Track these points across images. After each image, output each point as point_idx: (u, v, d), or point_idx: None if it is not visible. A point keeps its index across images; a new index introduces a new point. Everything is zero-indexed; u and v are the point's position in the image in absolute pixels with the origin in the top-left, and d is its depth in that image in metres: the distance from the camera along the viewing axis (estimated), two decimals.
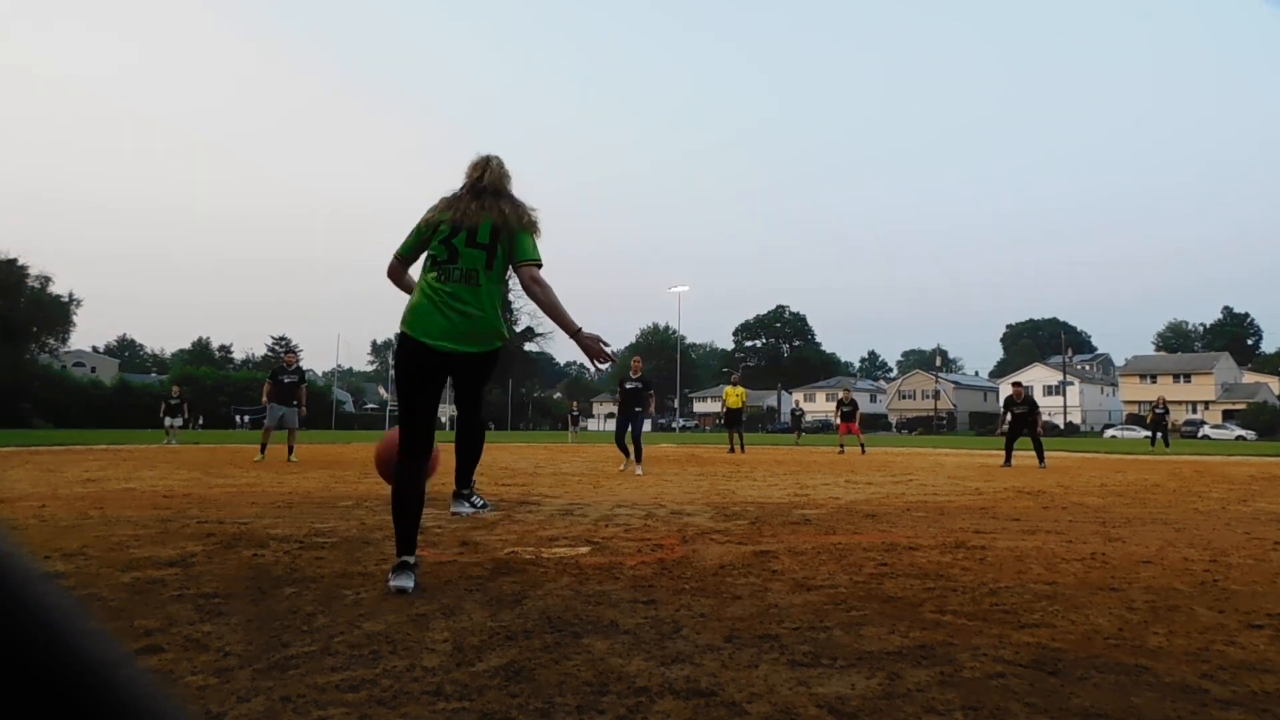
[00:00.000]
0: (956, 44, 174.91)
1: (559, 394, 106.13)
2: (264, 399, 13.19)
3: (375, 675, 2.25)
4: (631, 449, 11.69)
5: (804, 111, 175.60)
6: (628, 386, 11.94)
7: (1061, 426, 66.83)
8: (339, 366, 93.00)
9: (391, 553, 3.77)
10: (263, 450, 13.18)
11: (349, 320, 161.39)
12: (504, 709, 2.00)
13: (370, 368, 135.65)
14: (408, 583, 3.30)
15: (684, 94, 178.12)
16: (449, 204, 3.44)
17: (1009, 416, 14.58)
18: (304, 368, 13.23)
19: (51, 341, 60.89)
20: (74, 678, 0.32)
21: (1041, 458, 14.26)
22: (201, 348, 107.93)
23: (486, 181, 3.46)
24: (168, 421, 22.45)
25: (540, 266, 3.42)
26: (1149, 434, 27.83)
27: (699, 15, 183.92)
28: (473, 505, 3.82)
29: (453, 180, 3.60)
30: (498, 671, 2.30)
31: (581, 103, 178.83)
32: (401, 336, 3.37)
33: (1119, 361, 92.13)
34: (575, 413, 38.46)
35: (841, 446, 20.95)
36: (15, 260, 58.83)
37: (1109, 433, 61.08)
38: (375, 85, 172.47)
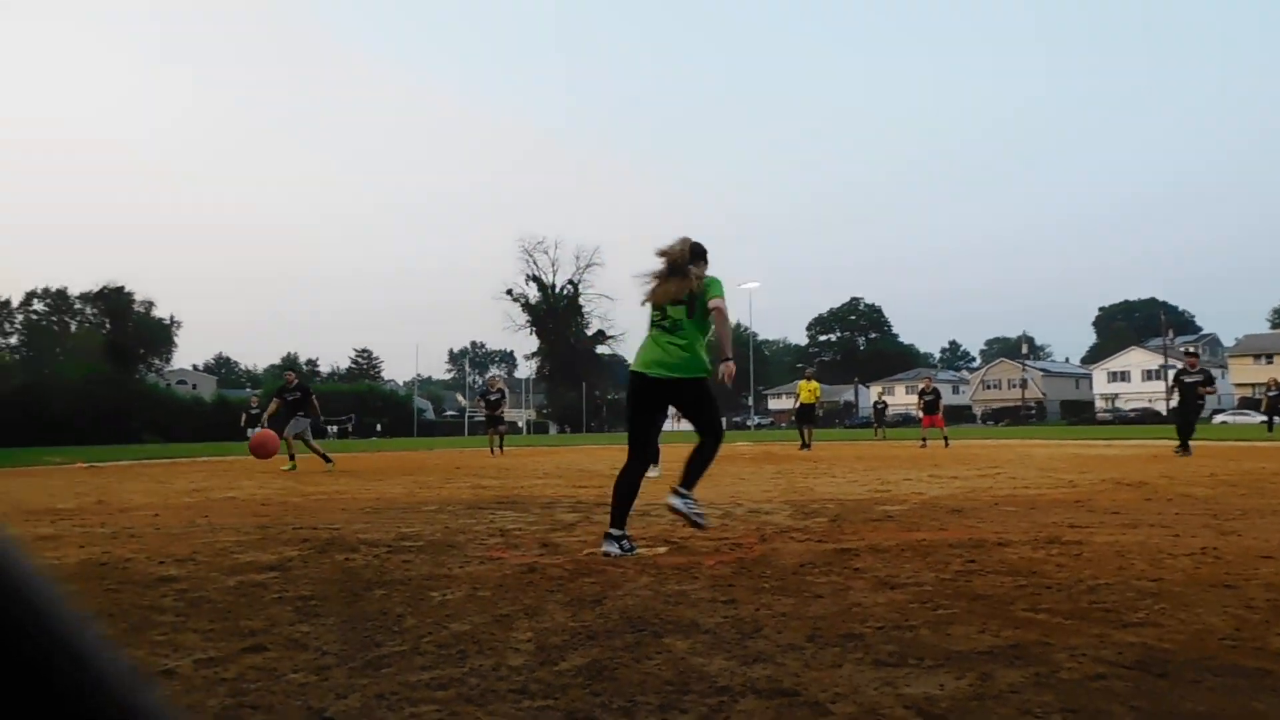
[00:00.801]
0: (1039, 31, 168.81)
1: None
2: (264, 418, 14.35)
3: (463, 674, 2.30)
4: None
5: (883, 105, 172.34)
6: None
7: (1164, 413, 63.79)
8: (418, 376, 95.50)
9: (474, 555, 4.41)
10: (291, 458, 13.66)
11: (426, 330, 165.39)
12: (587, 708, 2.02)
13: (448, 375, 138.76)
14: (612, 548, 4.24)
15: (779, 83, 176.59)
16: (654, 277, 4.55)
17: (1177, 392, 13.00)
18: (308, 386, 14.34)
19: (156, 362, 64.42)
20: (53, 665, 0.31)
21: (1185, 442, 12.61)
22: (290, 362, 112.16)
23: (678, 263, 4.48)
24: (250, 432, 22.68)
25: (721, 299, 4.43)
26: (1265, 418, 26.07)
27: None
28: (686, 507, 4.44)
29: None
30: (580, 671, 2.32)
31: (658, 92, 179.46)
32: (630, 372, 4.58)
33: (1228, 342, 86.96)
34: None
35: (924, 440, 20.18)
36: (123, 288, 62.56)
37: (1218, 418, 57.41)
38: (450, 98, 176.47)
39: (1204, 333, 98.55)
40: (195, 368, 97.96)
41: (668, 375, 4.40)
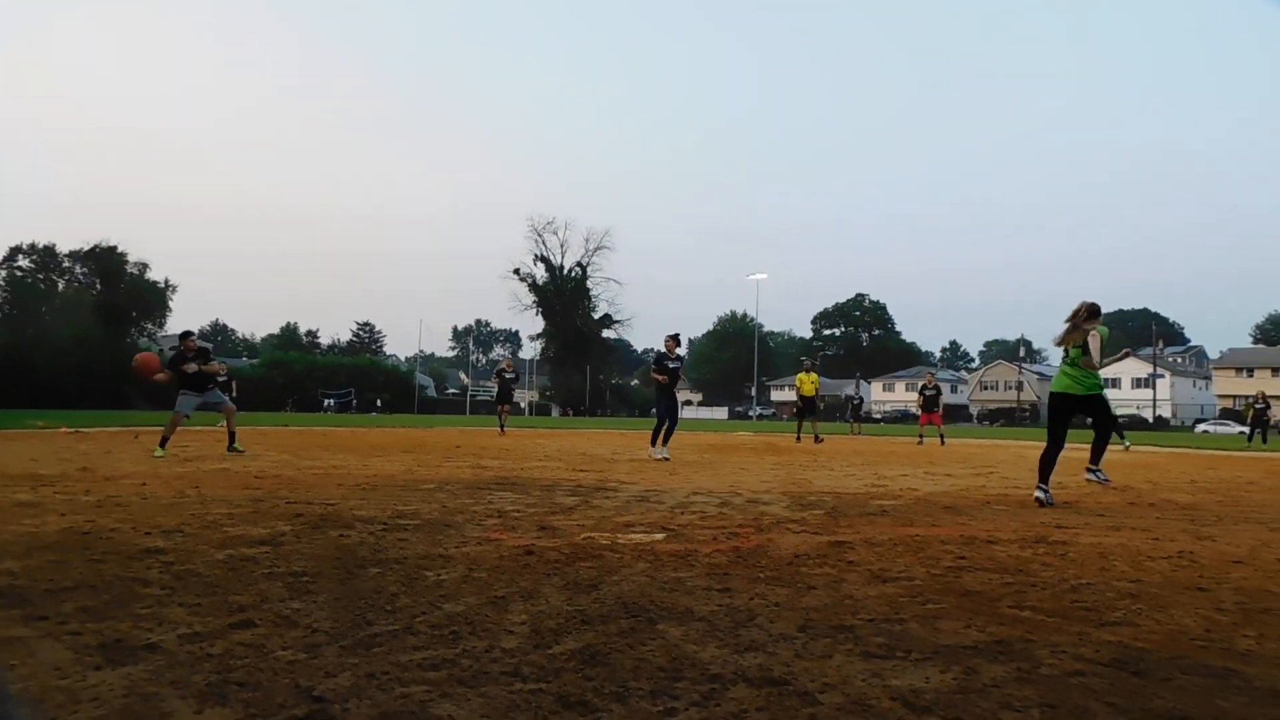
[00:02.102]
0: (1037, 35, 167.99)
1: (636, 380, 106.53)
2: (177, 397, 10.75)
3: (455, 655, 2.31)
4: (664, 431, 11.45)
5: (889, 101, 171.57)
6: (671, 366, 11.35)
7: (1151, 420, 64.11)
8: (421, 352, 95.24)
9: (471, 535, 4.44)
10: (162, 445, 10.22)
11: (432, 307, 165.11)
12: (580, 691, 2.04)
13: (451, 353, 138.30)
14: (1042, 495, 6.42)
15: (767, 81, 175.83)
16: (1066, 323, 6.75)
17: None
18: (206, 346, 11.33)
19: (150, 326, 63.68)
20: None
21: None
22: (289, 333, 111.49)
23: (1077, 320, 6.66)
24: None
25: (1098, 336, 6.58)
26: (1245, 430, 26.38)
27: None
28: (1097, 477, 7.84)
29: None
30: (574, 655, 2.34)
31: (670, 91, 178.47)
32: (1051, 393, 6.92)
33: (1213, 354, 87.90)
34: None
35: (921, 437, 20.18)
36: (115, 248, 61.67)
37: (1200, 427, 58.19)
38: (453, 90, 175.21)
39: (1191, 344, 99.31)
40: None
41: (1076, 393, 6.69)
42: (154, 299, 62.83)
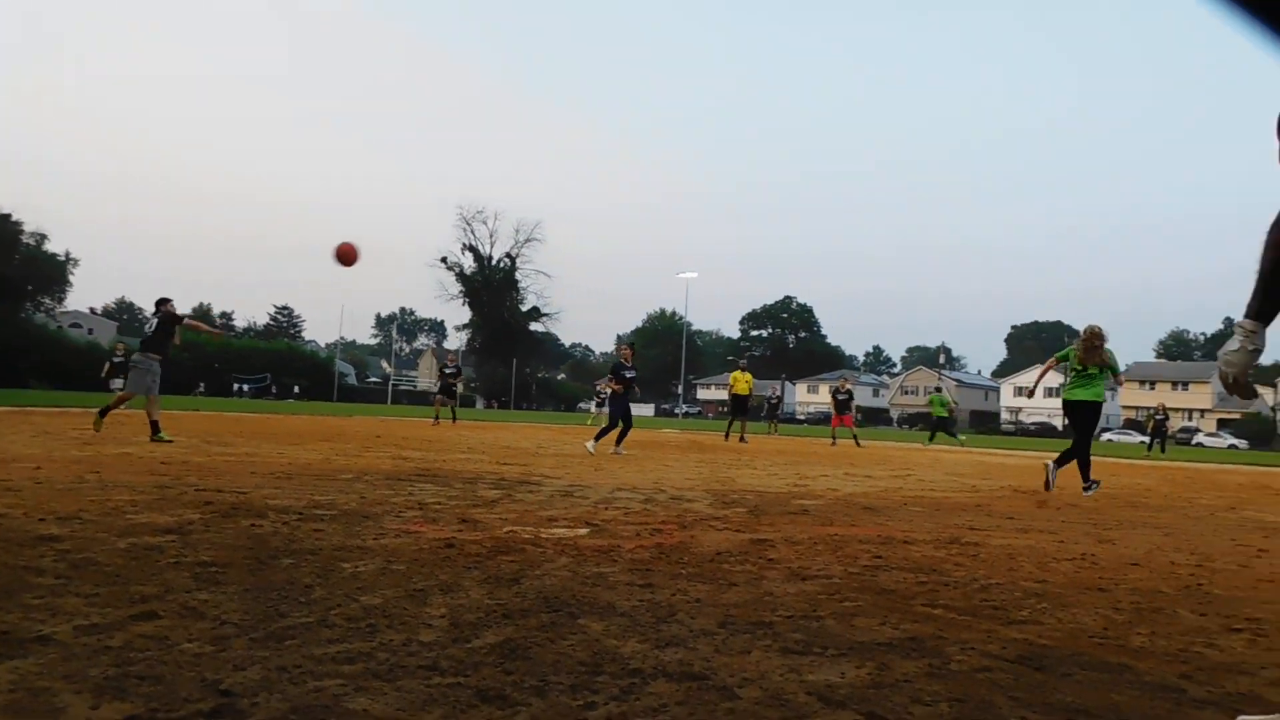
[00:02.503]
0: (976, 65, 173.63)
1: (563, 375, 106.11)
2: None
3: (371, 648, 2.26)
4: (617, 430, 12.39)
5: (820, 113, 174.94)
6: (628, 375, 12.49)
7: (1060, 428, 66.77)
8: (342, 338, 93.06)
9: (391, 527, 4.37)
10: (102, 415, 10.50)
11: (355, 293, 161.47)
12: (499, 685, 2.02)
13: (374, 340, 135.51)
14: (1093, 485, 8.11)
15: (712, 89, 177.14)
16: (1081, 347, 8.30)
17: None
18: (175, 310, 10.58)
19: (47, 301, 60.28)
20: None
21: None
22: (202, 314, 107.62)
23: (1094, 345, 8.20)
24: (114, 384, 19.03)
25: (1115, 373, 8.65)
26: (1146, 439, 27.91)
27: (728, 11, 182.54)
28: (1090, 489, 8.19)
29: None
30: (494, 649, 2.31)
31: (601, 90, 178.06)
32: (1066, 400, 8.37)
33: (1120, 367, 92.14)
34: (603, 393, 33.06)
35: (834, 439, 20.90)
36: (9, 215, 57.93)
37: (1105, 436, 61.30)
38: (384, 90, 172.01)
39: None
40: (93, 311, 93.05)
41: (1091, 400, 8.24)
42: (53, 271, 59.42)
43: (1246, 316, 1.99)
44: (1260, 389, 74.93)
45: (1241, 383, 2.01)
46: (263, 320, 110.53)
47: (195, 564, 3.21)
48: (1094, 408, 8.30)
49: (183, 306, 10.84)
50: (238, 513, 4.51)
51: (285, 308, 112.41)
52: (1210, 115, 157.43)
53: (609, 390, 12.85)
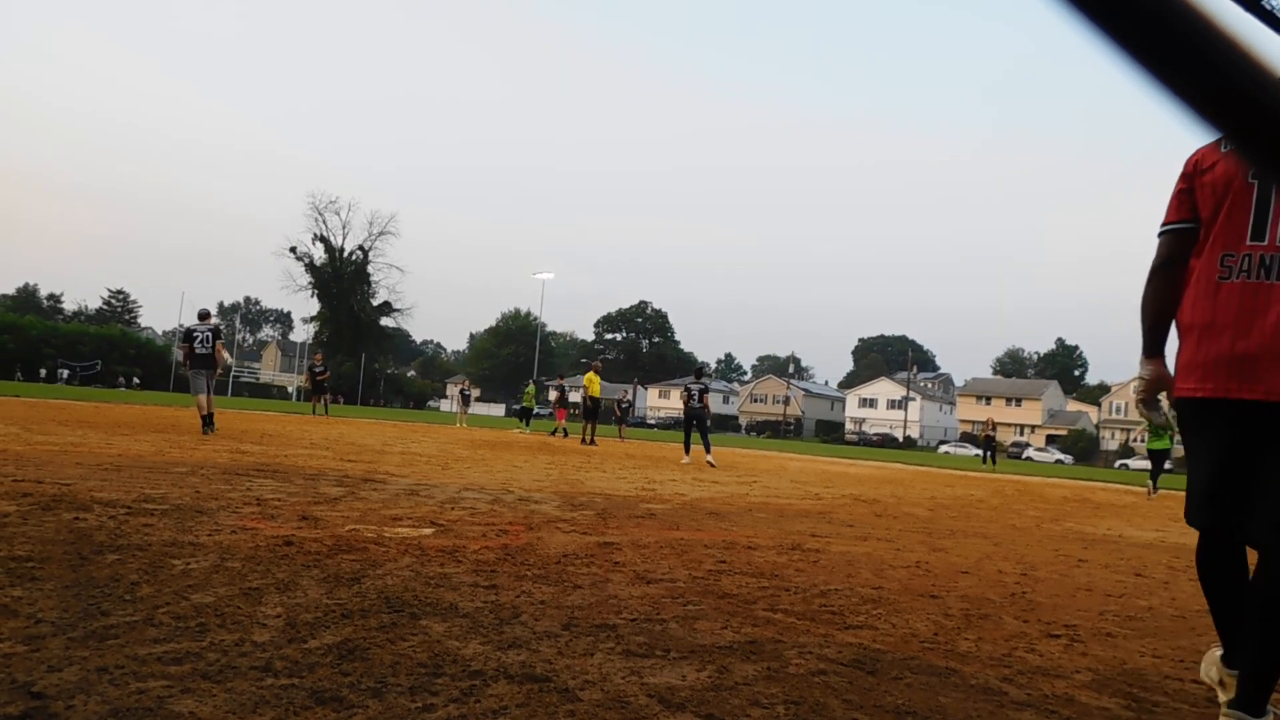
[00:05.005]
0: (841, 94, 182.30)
1: (413, 372, 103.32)
2: None
3: (201, 648, 2.17)
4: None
5: (680, 127, 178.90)
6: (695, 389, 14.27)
7: (901, 440, 70.97)
8: (180, 326, 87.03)
9: (226, 523, 4.11)
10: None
11: (196, 279, 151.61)
12: (334, 687, 1.96)
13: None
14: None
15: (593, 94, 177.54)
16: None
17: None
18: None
19: None
20: None
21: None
22: (28, 295, 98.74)
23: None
24: None
25: None
26: (980, 452, 29.94)
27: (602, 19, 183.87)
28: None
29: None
30: (330, 649, 2.25)
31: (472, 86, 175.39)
32: None
33: (959, 382, 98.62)
34: (467, 391, 31.32)
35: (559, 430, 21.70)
36: None
37: (943, 448, 65.30)
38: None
39: (941, 371, 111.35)
40: None
41: None
42: None
43: (1142, 356, 2.37)
44: (1086, 408, 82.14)
45: (1143, 401, 2.41)
46: (95, 304, 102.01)
47: (9, 558, 2.99)
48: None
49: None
50: (59, 505, 4.20)
51: (120, 292, 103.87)
52: (1056, 174, 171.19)
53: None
